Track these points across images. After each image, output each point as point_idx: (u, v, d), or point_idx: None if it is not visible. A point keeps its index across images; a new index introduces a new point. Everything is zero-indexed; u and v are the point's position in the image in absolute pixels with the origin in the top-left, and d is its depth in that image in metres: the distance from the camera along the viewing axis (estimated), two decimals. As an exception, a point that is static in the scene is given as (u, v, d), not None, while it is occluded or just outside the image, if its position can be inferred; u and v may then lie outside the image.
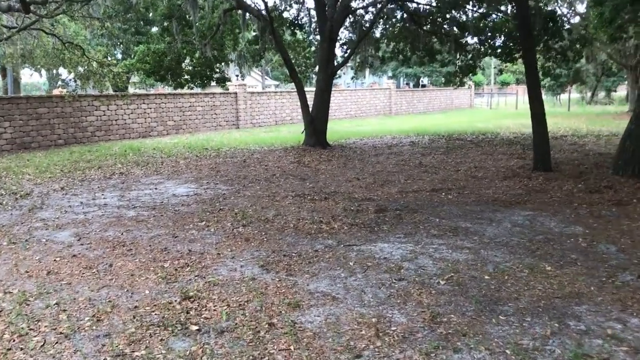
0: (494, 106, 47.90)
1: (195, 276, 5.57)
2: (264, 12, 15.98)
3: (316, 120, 16.72)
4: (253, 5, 16.77)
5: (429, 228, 7.33)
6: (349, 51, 18.08)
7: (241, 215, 8.23)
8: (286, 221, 7.83)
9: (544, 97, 42.90)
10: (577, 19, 18.34)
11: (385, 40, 21.64)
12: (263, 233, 7.22)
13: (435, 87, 50.35)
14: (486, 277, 5.34)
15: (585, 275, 5.33)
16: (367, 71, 66.68)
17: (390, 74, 66.04)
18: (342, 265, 5.82)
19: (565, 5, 17.41)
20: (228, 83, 25.33)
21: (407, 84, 63.02)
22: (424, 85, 64.79)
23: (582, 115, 31.92)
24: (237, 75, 38.77)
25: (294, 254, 6.25)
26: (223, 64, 21.36)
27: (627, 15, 17.50)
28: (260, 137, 22.30)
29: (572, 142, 17.31)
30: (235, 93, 27.00)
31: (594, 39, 17.13)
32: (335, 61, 17.62)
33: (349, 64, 22.30)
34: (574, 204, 8.51)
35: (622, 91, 59.49)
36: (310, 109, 16.97)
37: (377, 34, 21.60)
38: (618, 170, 9.85)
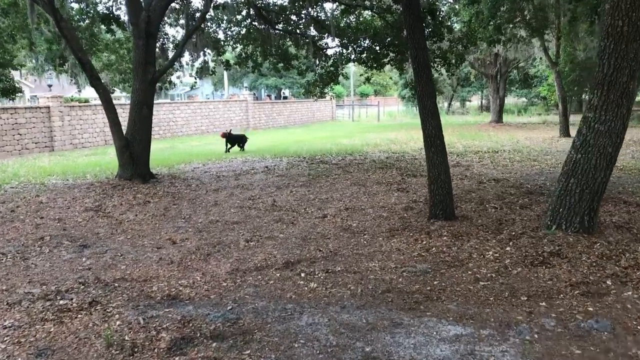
0: (355, 118, 45.90)
1: None
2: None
3: (133, 144, 12.26)
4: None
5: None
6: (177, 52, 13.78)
7: None
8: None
9: (402, 107, 41.42)
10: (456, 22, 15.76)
11: (231, 43, 17.68)
12: None
13: (297, 99, 47.41)
14: None
15: None
16: (227, 82, 62.51)
17: (247, 85, 62.33)
18: None
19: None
20: (40, 95, 19.85)
21: (269, 95, 59.59)
22: (285, 97, 61.86)
23: (446, 126, 30.13)
24: (49, 85, 32.50)
25: None
26: (10, 69, 16.02)
27: (506, 14, 15.12)
28: (75, 163, 17.26)
29: (454, 163, 14.46)
30: (48, 107, 21.49)
31: (478, 39, 14.53)
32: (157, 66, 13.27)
33: (187, 69, 18.07)
34: (521, 295, 5.08)
35: (475, 101, 60.82)
36: (125, 130, 12.48)
37: (221, 35, 17.60)
38: (558, 222, 6.66)
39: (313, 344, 4.20)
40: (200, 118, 30.26)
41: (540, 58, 31.37)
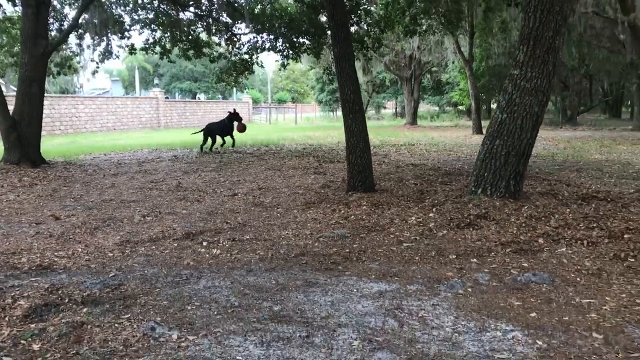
0: (273, 121, 45.20)
1: None
2: None
3: (21, 124, 10.94)
4: None
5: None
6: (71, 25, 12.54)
7: None
8: None
9: (319, 113, 41.32)
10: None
11: (138, 27, 16.49)
12: None
13: (213, 100, 46.16)
14: None
15: None
16: (138, 84, 59.95)
17: (160, 89, 60.18)
18: None
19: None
20: None
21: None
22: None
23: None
24: None
25: None
26: None
27: (422, 3, 14.99)
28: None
29: (372, 152, 14.06)
30: None
31: (395, 24, 14.22)
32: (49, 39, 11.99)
33: (93, 58, 16.67)
34: (449, 254, 4.56)
35: (390, 109, 61.85)
36: (12, 109, 11.13)
37: (127, 20, 16.38)
38: (483, 187, 6.25)
39: (210, 306, 3.44)
40: (106, 114, 28.46)
41: (453, 62, 32.04)
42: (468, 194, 6.40)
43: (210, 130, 15.41)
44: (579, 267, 4.19)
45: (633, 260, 4.31)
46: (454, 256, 4.48)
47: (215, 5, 16.01)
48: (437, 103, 52.74)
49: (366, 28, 13.77)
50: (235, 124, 15.85)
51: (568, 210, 5.81)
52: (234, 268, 4.31)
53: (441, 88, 47.20)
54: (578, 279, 3.95)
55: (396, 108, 58.06)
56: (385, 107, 61.14)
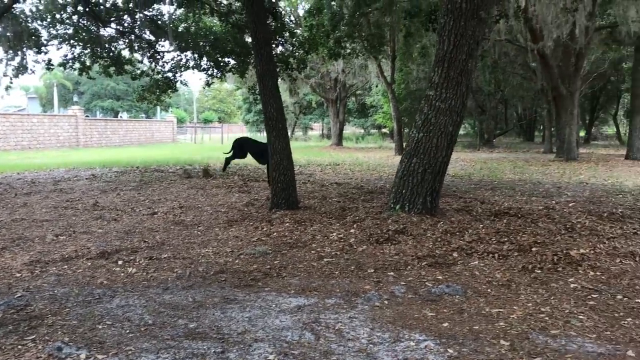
0: (198, 141, 44.60)
1: None
2: None
3: None
4: None
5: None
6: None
7: None
8: None
9: (246, 133, 41.10)
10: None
11: (56, 42, 15.90)
12: None
13: (135, 119, 45.02)
14: None
15: None
16: (57, 102, 57.55)
17: (80, 107, 58.08)
18: None
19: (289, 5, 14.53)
20: None
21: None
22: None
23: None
24: None
25: None
26: None
27: (346, 27, 15.34)
28: None
29: (297, 171, 14.11)
30: None
31: (320, 45, 14.44)
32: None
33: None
34: (367, 268, 4.64)
35: (317, 130, 62.51)
36: None
37: (44, 34, 15.77)
38: (402, 203, 6.41)
39: (123, 324, 3.33)
40: (21, 132, 27.12)
41: (377, 85, 32.88)
42: (387, 211, 6.55)
43: (241, 146, 12.52)
44: (490, 278, 4.37)
45: (539, 271, 4.55)
46: (372, 270, 4.56)
47: (138, 23, 15.72)
48: (362, 125, 53.81)
49: (291, 49, 13.90)
50: None
51: (481, 225, 6.06)
52: (149, 286, 4.19)
53: (366, 111, 48.25)
54: (489, 290, 4.11)
55: (323, 130, 58.78)
56: (312, 129, 61.73)
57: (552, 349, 3.04)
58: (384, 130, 45.80)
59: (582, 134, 41.43)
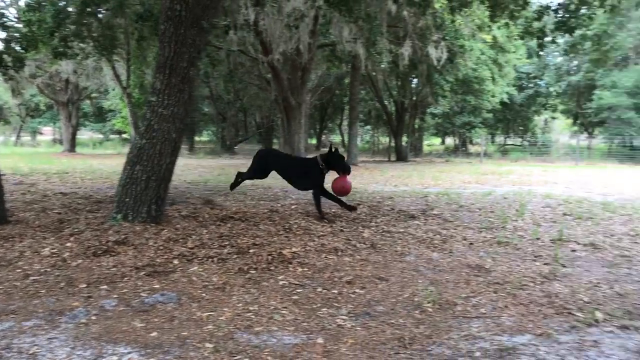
0: None
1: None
2: None
3: None
4: None
5: None
6: None
7: None
8: None
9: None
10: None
11: None
12: None
13: None
14: None
15: None
16: None
17: None
18: None
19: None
20: None
21: None
22: None
23: (13, 155, 26.91)
24: None
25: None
26: None
27: (73, 25, 14.30)
28: None
29: (16, 181, 12.71)
30: None
31: (41, 43, 13.10)
32: None
33: None
34: (79, 284, 4.35)
35: (48, 136, 57.07)
36: None
37: None
38: (125, 212, 6.15)
39: None
40: None
41: (114, 89, 31.37)
42: (109, 221, 6.26)
43: (266, 160, 8.26)
44: (206, 283, 4.46)
45: (254, 271, 4.80)
46: (85, 285, 4.31)
47: None
48: (100, 130, 50.85)
49: (5, 45, 12.40)
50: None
51: (206, 231, 6.17)
52: None
53: (104, 115, 45.70)
54: (204, 294, 4.19)
55: (54, 135, 53.89)
56: (42, 133, 56.18)
57: (253, 346, 3.23)
58: (124, 135, 43.96)
59: (313, 141, 45.35)
